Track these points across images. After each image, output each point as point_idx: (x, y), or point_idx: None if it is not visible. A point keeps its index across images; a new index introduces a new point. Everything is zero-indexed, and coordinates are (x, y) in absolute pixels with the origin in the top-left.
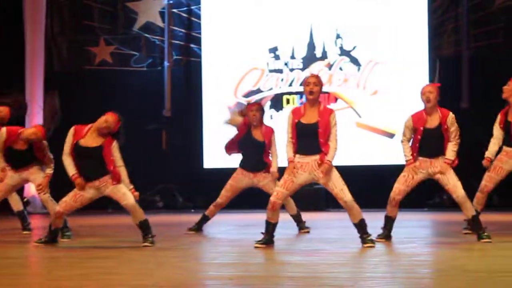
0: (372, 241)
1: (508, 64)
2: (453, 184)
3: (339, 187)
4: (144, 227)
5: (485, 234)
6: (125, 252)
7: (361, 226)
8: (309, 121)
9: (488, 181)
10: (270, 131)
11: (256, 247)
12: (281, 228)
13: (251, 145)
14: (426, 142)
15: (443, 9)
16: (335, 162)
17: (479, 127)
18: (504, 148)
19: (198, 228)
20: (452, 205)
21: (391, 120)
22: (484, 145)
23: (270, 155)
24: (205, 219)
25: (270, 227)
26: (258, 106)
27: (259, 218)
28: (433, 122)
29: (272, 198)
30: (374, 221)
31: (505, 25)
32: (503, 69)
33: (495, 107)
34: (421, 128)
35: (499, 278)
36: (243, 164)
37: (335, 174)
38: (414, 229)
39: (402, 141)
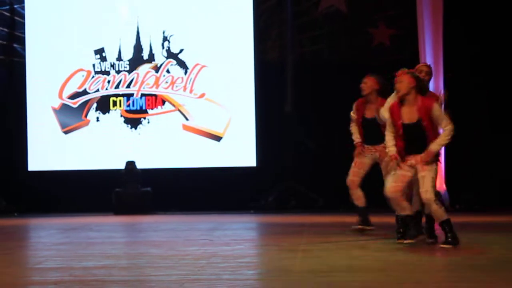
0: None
1: (330, 68)
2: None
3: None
4: None
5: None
6: None
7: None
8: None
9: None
10: None
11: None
12: (108, 231)
13: None
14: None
15: (268, 14)
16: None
17: (301, 129)
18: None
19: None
20: (277, 207)
21: (218, 123)
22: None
23: None
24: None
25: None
26: None
27: (81, 221)
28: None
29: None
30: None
31: (327, 31)
32: (326, 73)
33: (318, 110)
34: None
35: (322, 278)
36: None
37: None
38: (240, 231)
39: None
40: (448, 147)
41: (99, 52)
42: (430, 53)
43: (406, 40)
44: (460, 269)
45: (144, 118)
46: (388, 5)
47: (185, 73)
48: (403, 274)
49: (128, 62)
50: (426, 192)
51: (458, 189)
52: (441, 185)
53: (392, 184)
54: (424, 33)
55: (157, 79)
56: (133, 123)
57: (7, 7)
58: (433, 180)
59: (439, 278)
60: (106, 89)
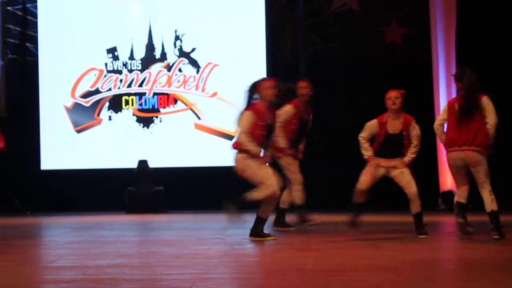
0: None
1: (342, 67)
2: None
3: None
4: None
5: (424, 230)
6: None
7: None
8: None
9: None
10: None
11: None
12: (120, 230)
13: None
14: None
15: (280, 12)
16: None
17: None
18: None
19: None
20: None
21: (230, 122)
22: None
23: None
24: None
25: None
26: None
27: (93, 220)
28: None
29: None
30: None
31: (340, 29)
32: (338, 72)
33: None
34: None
35: (335, 277)
36: None
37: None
38: None
39: None
40: None
41: (112, 51)
42: (442, 53)
43: (418, 39)
44: (474, 268)
45: (156, 117)
46: (400, 4)
47: (197, 72)
48: (416, 273)
49: (140, 61)
50: (409, 184)
51: (471, 188)
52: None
53: (364, 178)
54: (436, 32)
55: (169, 78)
56: (146, 122)
57: (20, 6)
58: (411, 174)
59: (452, 277)
60: (119, 88)
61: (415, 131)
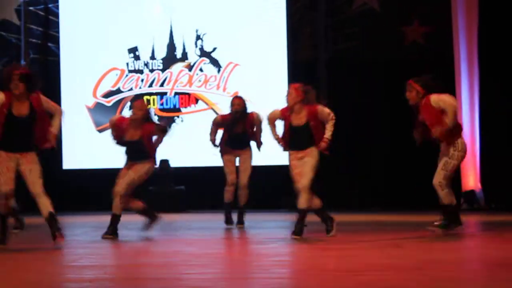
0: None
1: (363, 66)
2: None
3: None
4: None
5: (298, 231)
6: None
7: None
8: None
9: None
10: None
11: None
12: (140, 229)
13: None
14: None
15: (301, 12)
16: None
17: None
18: None
19: None
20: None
21: None
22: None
23: None
24: None
25: None
26: None
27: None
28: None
29: None
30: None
31: (360, 29)
32: (359, 71)
33: (351, 108)
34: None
35: (357, 276)
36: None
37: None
38: (274, 229)
39: None
40: (483, 146)
41: (133, 51)
42: (464, 51)
43: (440, 38)
44: (497, 268)
45: (178, 116)
46: (421, 2)
47: (218, 71)
48: (439, 273)
49: (161, 61)
50: (302, 175)
51: (494, 188)
52: (476, 184)
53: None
54: (458, 31)
55: (190, 77)
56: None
57: (42, 6)
58: (314, 167)
59: (475, 277)
60: (140, 87)
61: (324, 112)
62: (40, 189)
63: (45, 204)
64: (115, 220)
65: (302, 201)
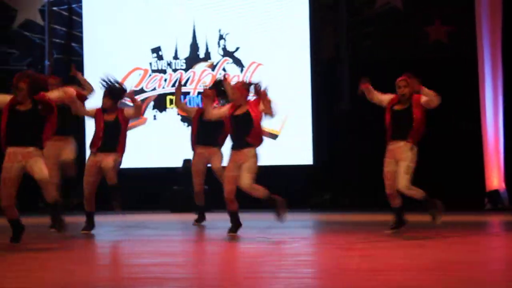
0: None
1: (386, 66)
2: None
3: None
4: None
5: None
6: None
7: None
8: None
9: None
10: None
11: None
12: (165, 229)
13: None
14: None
15: (324, 11)
16: None
17: (357, 127)
18: None
19: None
20: (333, 206)
21: (274, 122)
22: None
23: None
24: None
25: None
26: None
27: (138, 219)
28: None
29: None
30: (260, 221)
31: (383, 28)
32: (382, 70)
33: (375, 107)
34: None
35: (380, 276)
36: None
37: None
38: (297, 229)
39: None
40: (507, 146)
41: (156, 50)
42: (488, 51)
43: (464, 37)
44: None
45: None
46: (445, 2)
47: (241, 71)
48: (462, 274)
49: (184, 61)
50: (243, 178)
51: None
52: (500, 184)
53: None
54: (482, 31)
55: (214, 77)
56: (190, 121)
57: (65, 6)
58: (254, 170)
59: (498, 277)
60: (163, 87)
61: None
62: (46, 175)
63: (51, 193)
64: None
65: (260, 193)
